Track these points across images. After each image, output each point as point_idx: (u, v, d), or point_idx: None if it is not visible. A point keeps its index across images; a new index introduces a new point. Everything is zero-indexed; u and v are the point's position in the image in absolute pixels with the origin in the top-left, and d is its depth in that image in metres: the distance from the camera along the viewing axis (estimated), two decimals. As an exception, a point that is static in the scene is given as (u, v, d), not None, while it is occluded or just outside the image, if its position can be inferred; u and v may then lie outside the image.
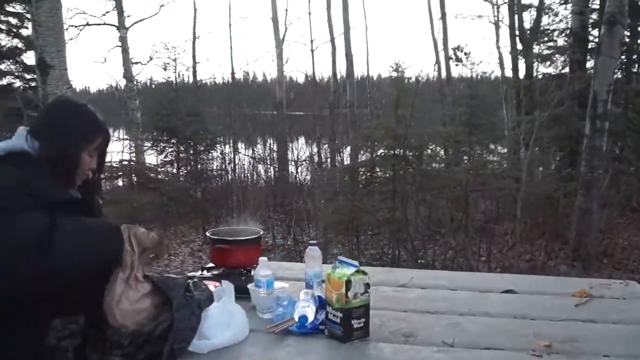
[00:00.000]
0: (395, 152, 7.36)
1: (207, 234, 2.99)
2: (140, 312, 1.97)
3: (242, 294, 2.31)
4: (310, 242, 2.80)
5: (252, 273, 2.84)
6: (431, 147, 8.38)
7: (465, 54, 9.12)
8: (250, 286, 2.54)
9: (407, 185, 7.44)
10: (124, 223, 2.14)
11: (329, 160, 13.02)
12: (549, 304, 2.58)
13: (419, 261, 6.99)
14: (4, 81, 17.30)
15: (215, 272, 2.91)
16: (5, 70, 18.22)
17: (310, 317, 2.22)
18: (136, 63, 16.69)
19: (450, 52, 11.79)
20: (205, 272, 2.90)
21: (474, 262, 7.06)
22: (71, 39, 18.69)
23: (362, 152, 9.50)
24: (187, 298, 2.03)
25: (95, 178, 2.29)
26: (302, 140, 14.96)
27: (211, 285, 2.29)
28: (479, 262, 7.15)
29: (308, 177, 11.81)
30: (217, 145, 13.04)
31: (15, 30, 18.12)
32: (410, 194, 7.44)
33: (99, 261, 2.00)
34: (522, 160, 8.56)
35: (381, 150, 7.75)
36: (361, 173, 8.00)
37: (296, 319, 2.22)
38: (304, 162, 11.57)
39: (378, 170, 7.94)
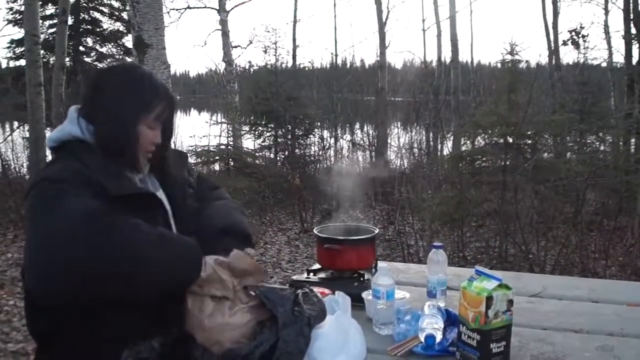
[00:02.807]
0: (507, 140, 6.85)
1: (315, 231, 2.66)
2: (237, 328, 1.62)
3: (355, 303, 1.92)
4: (434, 244, 2.43)
5: (366, 277, 2.52)
6: (545, 136, 7.81)
7: (583, 37, 8.40)
8: (365, 295, 2.20)
9: (518, 176, 6.91)
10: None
11: (431, 148, 12.58)
12: None
13: (529, 256, 6.49)
14: (105, 64, 17.84)
15: (323, 275, 2.58)
16: (107, 53, 18.78)
17: (439, 337, 1.86)
18: (236, 47, 16.79)
19: (566, 36, 11.15)
20: (311, 275, 2.58)
21: (590, 261, 6.50)
22: (172, 22, 19.16)
23: (466, 141, 9.03)
24: (295, 314, 1.65)
25: (160, 153, 1.96)
26: (399, 126, 14.52)
27: (318, 292, 1.90)
28: (595, 262, 6.57)
29: (407, 165, 11.37)
30: (316, 129, 12.79)
31: (117, 13, 18.64)
32: (522, 186, 6.92)
33: (164, 281, 1.66)
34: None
35: (493, 138, 7.23)
36: (468, 162, 7.52)
37: (422, 339, 1.87)
38: (405, 149, 11.14)
39: (486, 159, 7.44)
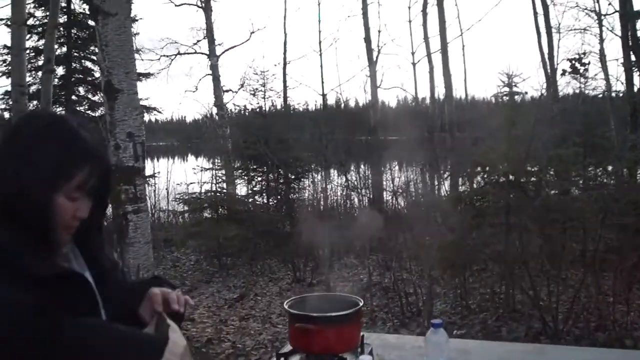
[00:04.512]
0: (509, 178, 6.37)
1: (285, 306, 2.16)
2: None
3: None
4: (432, 321, 1.93)
5: (348, 362, 2.02)
6: (551, 172, 7.34)
7: (584, 64, 7.99)
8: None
9: (522, 216, 6.41)
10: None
11: (428, 188, 12.13)
12: None
13: (539, 303, 5.96)
14: (98, 113, 17.58)
15: (295, 361, 2.08)
16: (99, 101, 18.47)
17: None
18: (227, 91, 16.61)
19: (565, 65, 10.76)
20: (282, 360, 2.08)
21: (607, 307, 5.97)
22: (163, 69, 18.99)
23: (465, 180, 8.58)
24: None
25: (88, 230, 1.58)
26: (394, 166, 14.07)
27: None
28: (613, 307, 6.03)
29: (403, 206, 10.88)
30: (309, 173, 12.35)
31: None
32: (527, 227, 6.42)
33: None
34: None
35: (494, 177, 6.75)
36: (468, 203, 7.03)
37: None
38: (400, 191, 10.66)
39: (487, 199, 6.96)
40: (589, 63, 8.64)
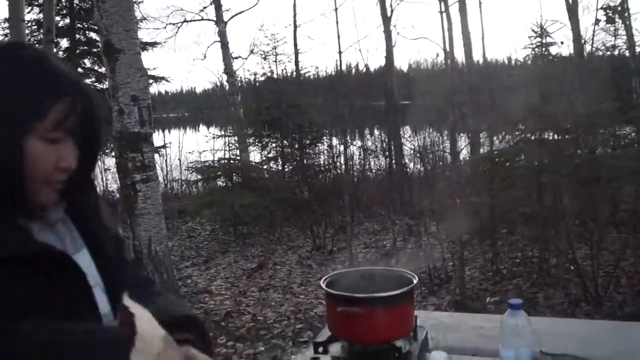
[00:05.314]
0: (543, 136, 5.95)
1: (322, 284, 1.79)
2: None
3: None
4: (509, 301, 1.56)
5: (403, 350, 1.65)
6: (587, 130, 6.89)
7: (620, 12, 7.44)
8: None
9: (557, 176, 6.01)
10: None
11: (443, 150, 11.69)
12: None
13: (577, 267, 5.59)
14: (105, 85, 17.30)
15: (337, 351, 1.71)
16: (105, 72, 18.20)
17: None
18: (237, 58, 16.23)
19: (598, 14, 10.12)
20: (320, 351, 1.71)
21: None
22: (170, 37, 18.63)
23: (493, 140, 8.15)
24: None
25: (77, 184, 1.24)
26: (414, 128, 13.62)
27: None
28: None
29: (425, 169, 10.47)
30: (324, 138, 11.94)
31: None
32: (561, 187, 6.02)
33: None
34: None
35: (525, 135, 6.33)
36: (499, 163, 6.61)
37: None
38: (425, 152, 10.20)
39: (519, 159, 6.54)
40: (627, 9, 8.06)
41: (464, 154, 10.35)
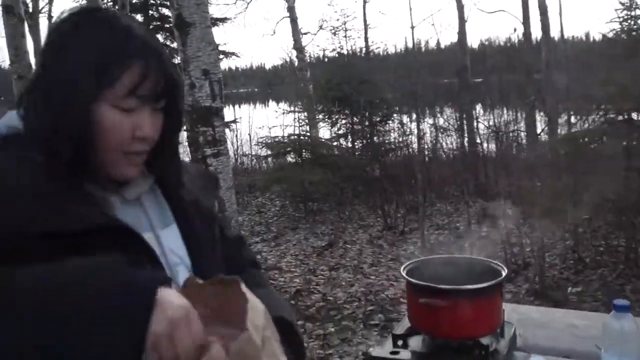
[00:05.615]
0: (631, 117, 5.61)
1: (403, 272, 1.66)
2: None
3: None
4: (615, 302, 1.39)
5: (490, 348, 1.51)
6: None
7: None
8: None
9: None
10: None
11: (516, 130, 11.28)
12: None
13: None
14: (178, 60, 17.54)
15: (417, 345, 1.58)
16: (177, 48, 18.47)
17: None
18: (306, 33, 16.16)
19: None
20: (399, 344, 1.58)
21: None
22: (240, 13, 18.69)
23: (576, 120, 7.77)
24: None
25: (161, 156, 1.17)
26: (488, 107, 13.24)
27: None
28: None
29: (498, 150, 10.13)
30: (395, 115, 11.72)
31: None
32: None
33: None
34: None
35: (609, 116, 5.98)
36: (581, 145, 6.28)
37: None
38: (500, 132, 9.86)
39: (603, 141, 6.19)
40: None
41: (542, 135, 9.94)
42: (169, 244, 1.15)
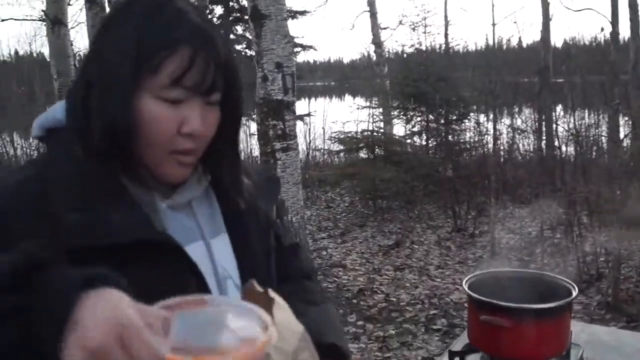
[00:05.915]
0: None
1: (465, 286, 1.56)
2: None
3: None
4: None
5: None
6: None
7: None
8: None
9: None
10: None
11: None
12: None
13: None
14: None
15: (477, 367, 1.48)
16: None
17: None
18: (385, 28, 16.06)
19: None
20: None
21: None
22: (320, 6, 18.77)
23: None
24: None
25: (216, 155, 1.07)
26: (569, 108, 12.78)
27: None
28: None
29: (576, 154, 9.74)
30: (472, 113, 11.46)
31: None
32: None
33: None
34: None
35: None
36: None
37: None
38: (581, 136, 9.49)
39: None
40: None
41: (625, 140, 9.51)
42: (218, 254, 1.06)
